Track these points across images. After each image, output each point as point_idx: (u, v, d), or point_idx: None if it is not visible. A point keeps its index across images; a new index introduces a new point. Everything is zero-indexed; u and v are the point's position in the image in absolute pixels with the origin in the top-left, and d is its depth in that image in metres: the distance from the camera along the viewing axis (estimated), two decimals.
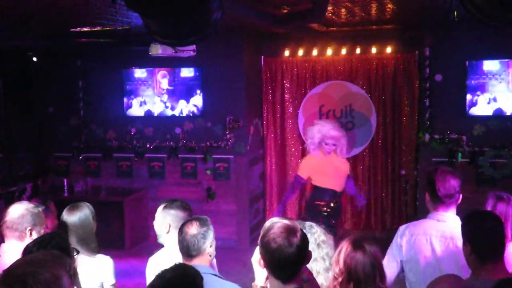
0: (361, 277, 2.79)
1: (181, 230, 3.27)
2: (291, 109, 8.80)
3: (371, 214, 8.61)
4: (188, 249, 3.23)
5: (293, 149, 8.86)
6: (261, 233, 2.46)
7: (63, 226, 3.81)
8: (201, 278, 2.44)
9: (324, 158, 6.32)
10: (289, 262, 2.37)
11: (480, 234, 2.87)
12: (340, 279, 2.84)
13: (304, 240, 2.44)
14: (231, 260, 6.53)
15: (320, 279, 3.00)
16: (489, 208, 3.83)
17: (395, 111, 8.38)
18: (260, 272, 2.81)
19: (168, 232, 3.66)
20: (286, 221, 2.46)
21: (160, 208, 3.77)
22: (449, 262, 3.38)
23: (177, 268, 2.45)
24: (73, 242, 3.67)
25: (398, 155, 8.42)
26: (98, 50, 8.16)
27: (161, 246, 3.75)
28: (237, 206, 8.27)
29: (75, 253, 3.11)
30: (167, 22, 2.71)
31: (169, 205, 3.79)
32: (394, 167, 8.44)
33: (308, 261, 2.51)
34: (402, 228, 3.60)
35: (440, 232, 3.45)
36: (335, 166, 6.31)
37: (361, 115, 8.47)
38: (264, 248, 2.41)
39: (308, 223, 3.05)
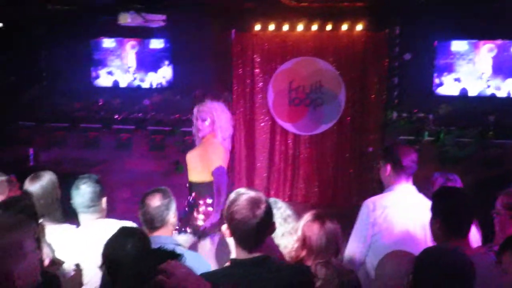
0: (313, 247, 2.91)
1: (143, 203, 3.26)
2: (261, 84, 8.77)
3: (338, 190, 8.69)
4: (152, 221, 3.22)
5: (262, 124, 8.85)
6: (227, 204, 2.50)
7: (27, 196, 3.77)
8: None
9: None
10: (253, 233, 2.43)
11: (450, 210, 2.93)
12: (295, 245, 2.96)
13: (268, 212, 2.49)
14: None
15: (292, 254, 3.07)
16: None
17: (364, 88, 8.41)
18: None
19: None
20: (251, 193, 2.50)
21: None
22: (420, 230, 3.47)
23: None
24: (38, 211, 3.64)
25: (366, 132, 8.48)
26: (65, 18, 7.97)
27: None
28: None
29: (40, 219, 3.09)
30: None
31: None
32: (362, 144, 8.52)
33: (271, 232, 2.57)
34: (368, 203, 3.66)
35: (410, 202, 3.55)
36: None
37: (330, 92, 8.49)
38: (229, 219, 2.46)
39: (272, 199, 3.10)
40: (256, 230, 2.43)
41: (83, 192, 3.61)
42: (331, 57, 8.47)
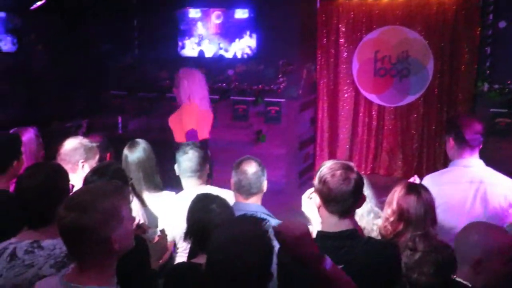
0: (412, 220, 2.86)
1: (239, 169, 3.31)
2: (345, 54, 8.63)
3: (423, 163, 8.49)
4: (250, 187, 3.28)
5: (346, 95, 8.74)
6: (319, 169, 2.49)
7: (125, 163, 3.94)
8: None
9: None
10: (346, 197, 2.40)
11: None
12: (391, 219, 2.90)
13: (361, 177, 2.47)
14: (278, 203, 6.55)
15: (363, 223, 3.05)
16: None
17: (453, 58, 8.08)
18: (316, 219, 2.85)
19: None
20: (342, 161, 2.51)
21: None
22: (479, 207, 3.36)
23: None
24: (139, 178, 3.80)
25: (454, 104, 8.18)
26: None
27: None
28: (287, 150, 8.27)
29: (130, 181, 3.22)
30: None
31: None
32: (449, 116, 8.23)
33: (362, 203, 2.52)
34: (427, 180, 3.55)
35: (468, 178, 3.42)
36: None
37: (417, 62, 8.23)
38: (322, 182, 2.43)
39: None
40: (349, 194, 2.39)
41: (191, 157, 3.75)
42: (419, 26, 8.18)
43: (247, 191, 3.28)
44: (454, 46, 8.05)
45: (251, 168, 3.29)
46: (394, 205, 2.92)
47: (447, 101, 8.23)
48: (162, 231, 3.28)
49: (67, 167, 3.59)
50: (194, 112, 5.50)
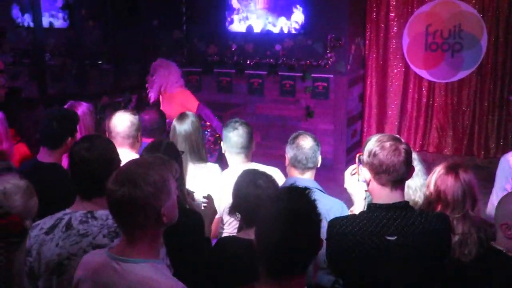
0: (449, 201, 2.84)
1: (294, 144, 3.31)
2: (395, 28, 8.44)
3: (474, 140, 8.30)
4: (307, 161, 3.28)
5: (395, 71, 8.57)
6: (365, 144, 2.50)
7: (173, 134, 4.03)
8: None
9: None
10: (398, 167, 2.39)
11: None
12: (430, 200, 2.88)
13: (409, 147, 2.46)
14: (326, 179, 6.54)
15: (416, 197, 3.03)
16: None
17: (509, 32, 7.83)
18: (359, 198, 2.84)
19: None
20: (389, 134, 2.51)
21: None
22: None
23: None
24: (186, 150, 3.87)
25: (509, 79, 7.95)
26: None
27: None
28: (334, 126, 8.20)
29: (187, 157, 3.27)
30: None
31: None
32: (503, 92, 8.01)
33: (412, 173, 2.52)
34: (509, 157, 3.45)
35: None
36: None
37: (470, 36, 7.99)
38: (372, 155, 2.42)
39: None
40: (401, 164, 2.39)
41: (241, 133, 3.79)
42: None
43: (303, 166, 3.28)
44: (509, 19, 7.79)
45: (307, 142, 3.29)
46: (432, 186, 2.90)
47: (501, 77, 8.01)
48: (208, 196, 3.32)
49: (128, 142, 3.78)
50: (188, 93, 6.27)
